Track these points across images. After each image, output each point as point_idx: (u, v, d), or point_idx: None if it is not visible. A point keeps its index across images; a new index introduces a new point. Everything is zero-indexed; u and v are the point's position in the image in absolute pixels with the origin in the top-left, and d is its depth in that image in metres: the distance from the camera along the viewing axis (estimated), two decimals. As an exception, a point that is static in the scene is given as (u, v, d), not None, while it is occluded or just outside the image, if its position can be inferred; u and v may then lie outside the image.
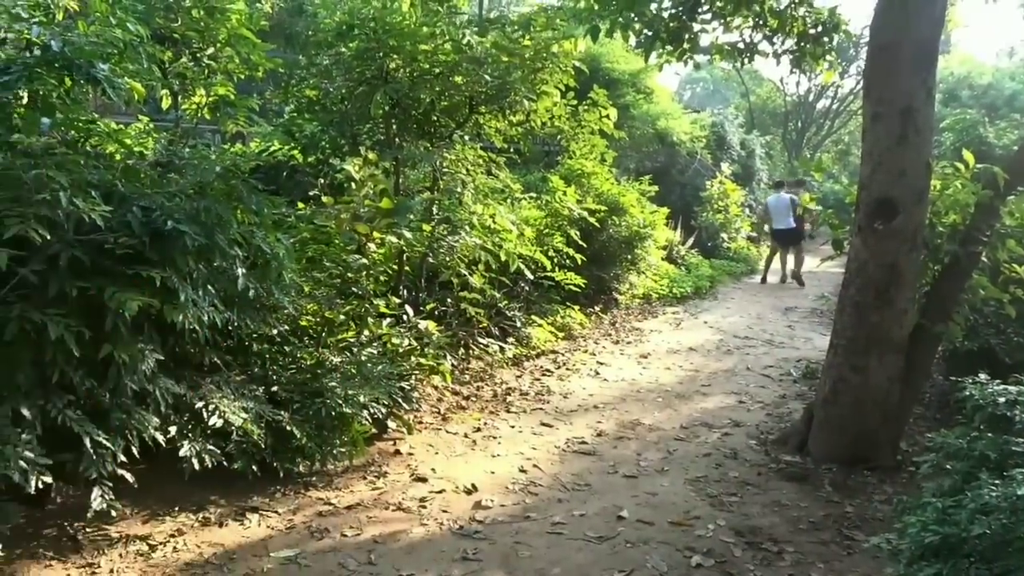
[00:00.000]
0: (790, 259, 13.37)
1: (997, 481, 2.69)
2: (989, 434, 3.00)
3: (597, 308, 9.33)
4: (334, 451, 4.35)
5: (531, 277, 7.21)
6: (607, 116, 8.88)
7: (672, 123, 15.69)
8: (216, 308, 3.63)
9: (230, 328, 4.12)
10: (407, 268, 6.39)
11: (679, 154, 15.97)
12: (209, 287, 3.62)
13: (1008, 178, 4.47)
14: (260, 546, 3.54)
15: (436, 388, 5.64)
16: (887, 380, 4.67)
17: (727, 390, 6.60)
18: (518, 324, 7.33)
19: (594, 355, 7.62)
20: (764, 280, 13.45)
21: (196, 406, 3.80)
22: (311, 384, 4.49)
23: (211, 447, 3.81)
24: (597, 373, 6.98)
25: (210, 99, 5.12)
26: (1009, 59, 27.38)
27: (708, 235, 15.13)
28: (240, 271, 3.68)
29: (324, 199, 5.27)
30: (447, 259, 6.21)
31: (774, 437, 5.28)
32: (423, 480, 4.38)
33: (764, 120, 30.13)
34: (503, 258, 6.47)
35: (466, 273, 6.45)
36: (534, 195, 9.56)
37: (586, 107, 8.78)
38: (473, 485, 4.32)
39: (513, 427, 5.38)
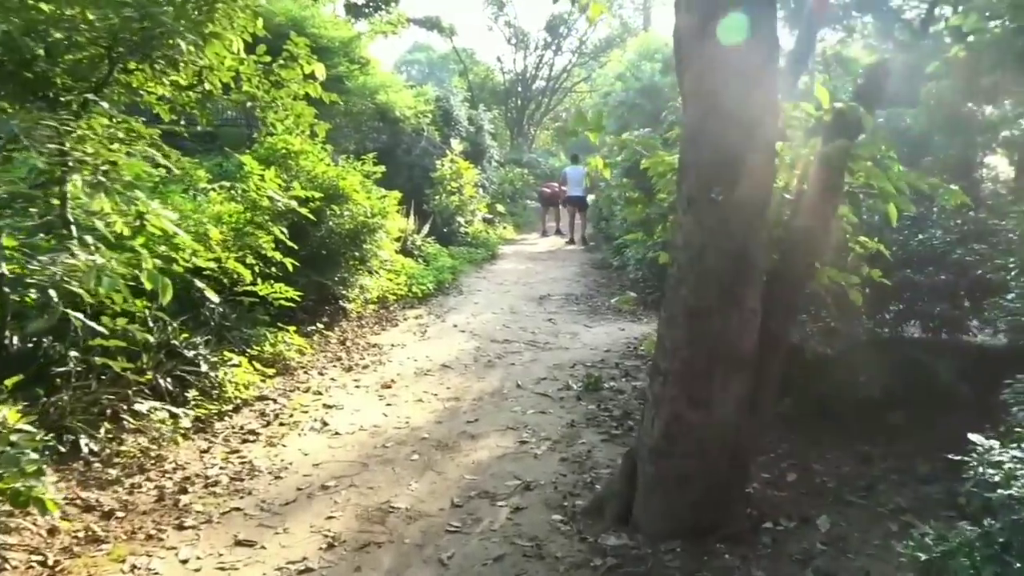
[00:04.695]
0: (578, 223, 15.52)
1: None
2: None
3: (320, 324, 7.24)
4: None
5: (215, 301, 4.96)
6: (312, 76, 6.78)
7: (394, 96, 13.93)
8: None
9: None
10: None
11: (404, 131, 14.25)
12: None
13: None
14: None
15: (36, 525, 3.28)
16: (734, 412, 3.31)
17: (500, 425, 5.00)
18: (203, 367, 5.07)
19: (320, 394, 5.59)
20: (572, 240, 15.61)
21: None
22: None
23: None
24: (325, 424, 4.99)
25: None
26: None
27: (443, 220, 13.61)
28: None
29: None
30: (38, 294, 3.73)
31: (583, 504, 3.74)
32: None
33: (484, 98, 29.45)
34: (155, 278, 4.13)
35: (80, 315, 3.98)
36: (227, 184, 7.28)
37: (282, 63, 6.61)
38: None
39: (186, 562, 3.24)
